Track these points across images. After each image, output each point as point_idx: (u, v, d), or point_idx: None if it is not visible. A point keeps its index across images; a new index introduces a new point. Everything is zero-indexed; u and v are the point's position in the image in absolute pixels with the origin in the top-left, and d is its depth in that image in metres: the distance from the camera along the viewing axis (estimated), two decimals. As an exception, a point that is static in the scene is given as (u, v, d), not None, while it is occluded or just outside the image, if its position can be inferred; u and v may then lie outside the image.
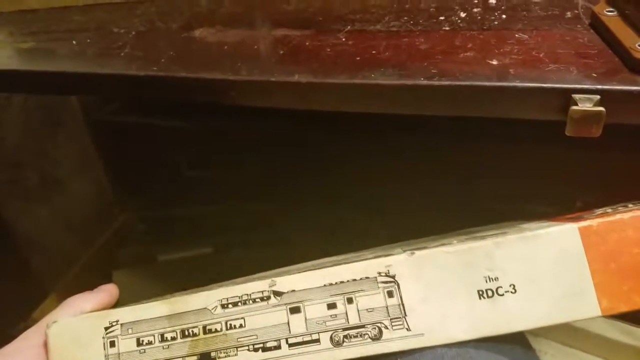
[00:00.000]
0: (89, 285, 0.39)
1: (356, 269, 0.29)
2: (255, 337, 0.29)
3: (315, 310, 0.29)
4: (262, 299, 0.30)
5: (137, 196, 0.86)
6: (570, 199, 0.62)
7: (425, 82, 0.31)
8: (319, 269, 0.30)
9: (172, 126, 0.76)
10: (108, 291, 0.35)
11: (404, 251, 0.29)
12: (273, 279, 0.30)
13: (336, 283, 0.29)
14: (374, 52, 0.35)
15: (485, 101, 0.31)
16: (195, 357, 0.29)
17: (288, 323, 0.29)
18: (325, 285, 0.29)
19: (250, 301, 0.30)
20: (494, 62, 0.32)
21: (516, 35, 0.35)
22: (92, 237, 0.86)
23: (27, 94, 0.73)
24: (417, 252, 0.29)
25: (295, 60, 0.36)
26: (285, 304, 0.29)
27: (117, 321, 0.31)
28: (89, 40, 0.43)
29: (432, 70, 0.32)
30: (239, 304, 0.30)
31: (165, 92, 0.38)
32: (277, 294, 0.30)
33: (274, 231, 0.79)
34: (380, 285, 0.29)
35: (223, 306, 0.30)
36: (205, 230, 0.80)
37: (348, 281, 0.29)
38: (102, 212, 0.88)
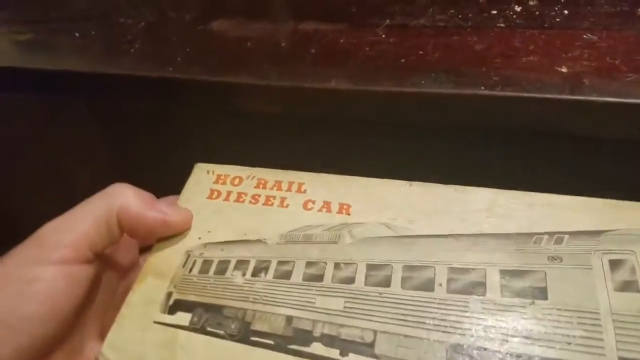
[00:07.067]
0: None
1: None
2: None
3: None
4: None
5: (143, 188, 0.81)
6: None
7: (486, 92, 0.27)
8: None
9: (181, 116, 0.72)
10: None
11: None
12: None
13: None
14: (420, 52, 0.31)
15: (557, 117, 0.27)
16: None
17: None
18: None
19: None
20: (564, 70, 0.28)
21: (584, 37, 0.30)
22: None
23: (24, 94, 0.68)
24: None
25: (330, 61, 0.31)
26: None
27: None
28: (93, 32, 0.39)
29: (493, 78, 0.28)
30: None
31: (183, 96, 0.34)
32: None
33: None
34: None
35: None
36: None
37: None
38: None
